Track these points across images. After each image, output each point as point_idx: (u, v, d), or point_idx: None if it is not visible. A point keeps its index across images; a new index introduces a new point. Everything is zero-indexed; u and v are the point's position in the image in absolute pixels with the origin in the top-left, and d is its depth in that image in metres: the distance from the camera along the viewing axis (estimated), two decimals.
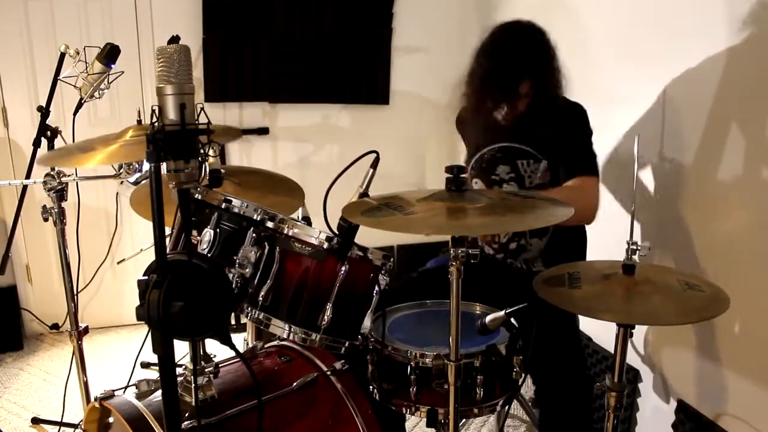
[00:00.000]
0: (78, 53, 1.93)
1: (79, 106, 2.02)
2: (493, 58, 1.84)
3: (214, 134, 1.10)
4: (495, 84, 1.84)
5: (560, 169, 1.87)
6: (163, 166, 1.05)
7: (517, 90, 1.85)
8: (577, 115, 1.88)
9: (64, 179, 1.86)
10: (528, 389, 2.45)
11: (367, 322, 1.49)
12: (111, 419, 1.45)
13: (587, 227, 2.00)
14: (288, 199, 1.98)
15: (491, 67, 1.84)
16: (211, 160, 1.36)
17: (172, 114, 1.06)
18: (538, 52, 1.83)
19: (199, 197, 1.41)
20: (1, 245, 2.57)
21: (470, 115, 1.98)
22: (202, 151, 1.09)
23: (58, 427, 2.30)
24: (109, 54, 1.93)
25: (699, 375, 1.98)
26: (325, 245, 1.35)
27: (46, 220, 1.88)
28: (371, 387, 1.49)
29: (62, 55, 1.96)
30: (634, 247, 1.33)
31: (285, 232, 1.36)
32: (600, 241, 1.99)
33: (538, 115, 1.84)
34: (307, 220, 2.18)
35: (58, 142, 1.99)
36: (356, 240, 1.38)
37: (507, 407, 1.48)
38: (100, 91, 1.97)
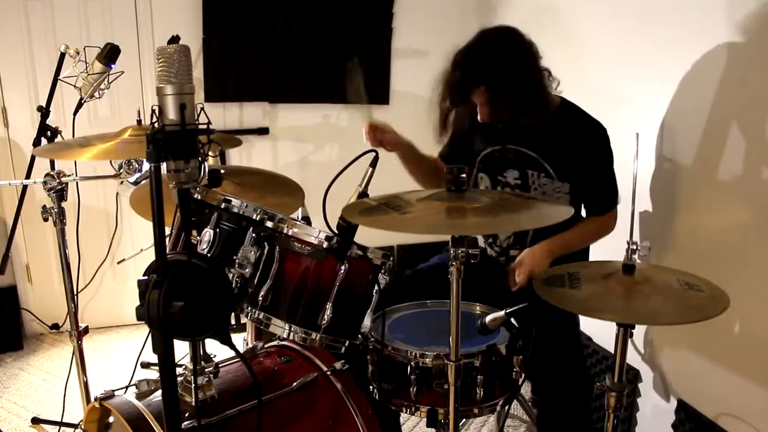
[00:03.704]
0: (78, 53, 1.93)
1: (79, 106, 2.02)
2: (451, 65, 1.81)
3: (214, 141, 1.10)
4: (448, 90, 1.80)
5: (582, 198, 1.87)
6: (163, 166, 1.06)
7: (468, 97, 1.80)
8: (600, 139, 1.82)
9: (64, 179, 1.86)
10: (528, 389, 2.46)
11: (367, 322, 1.49)
12: (111, 419, 1.45)
13: None
14: (288, 200, 1.98)
15: (448, 72, 1.81)
16: (210, 160, 1.36)
17: (172, 114, 1.06)
18: (496, 58, 1.75)
19: (199, 197, 1.41)
20: (1, 245, 2.57)
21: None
22: (202, 151, 1.10)
23: (58, 427, 2.30)
24: (109, 54, 1.93)
25: (699, 375, 1.98)
26: (325, 245, 1.35)
27: (46, 220, 1.88)
28: (371, 387, 1.49)
29: (62, 55, 1.96)
30: (634, 247, 1.33)
31: (284, 231, 1.36)
32: (600, 241, 1.99)
33: (532, 117, 1.81)
34: (306, 219, 2.18)
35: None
36: (356, 239, 1.38)
37: (507, 407, 1.48)
38: (100, 91, 1.98)
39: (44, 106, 2.00)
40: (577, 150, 1.81)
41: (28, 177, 2.08)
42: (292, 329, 1.38)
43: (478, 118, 1.83)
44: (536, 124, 1.83)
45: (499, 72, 1.73)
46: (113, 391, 1.38)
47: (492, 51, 1.76)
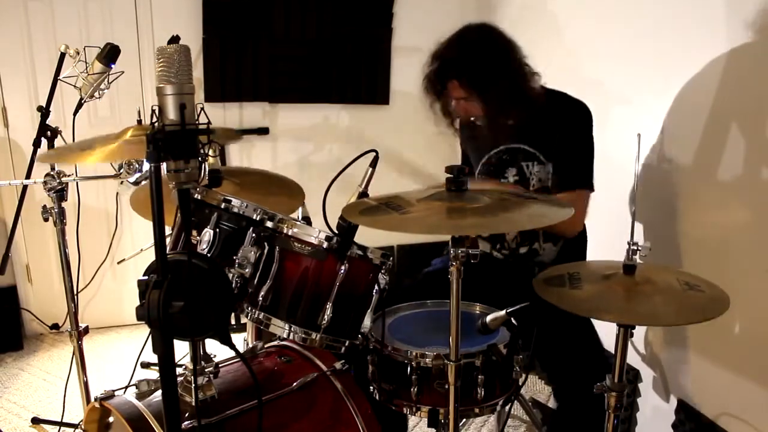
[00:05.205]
0: (78, 53, 1.93)
1: (79, 106, 2.02)
2: (430, 57, 1.83)
3: (213, 135, 1.10)
4: (426, 81, 1.83)
5: (558, 174, 1.84)
6: (163, 166, 1.05)
7: (444, 90, 1.81)
8: (583, 116, 1.83)
9: (64, 179, 1.86)
10: (528, 389, 2.45)
11: (367, 322, 1.49)
12: (111, 419, 1.45)
13: (588, 229, 1.99)
14: (288, 200, 1.97)
15: (427, 68, 1.83)
16: (210, 160, 1.36)
17: (172, 114, 1.06)
18: (472, 51, 1.77)
19: (199, 197, 1.41)
20: (1, 245, 2.57)
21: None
22: (202, 151, 1.10)
23: (58, 427, 2.30)
24: (109, 54, 1.93)
25: (699, 375, 1.98)
26: (325, 245, 1.35)
27: (46, 220, 1.88)
28: (371, 387, 1.49)
29: (62, 55, 1.96)
30: (635, 248, 1.33)
31: (284, 231, 1.36)
32: (600, 241, 1.99)
33: (511, 109, 1.80)
34: (306, 219, 2.18)
35: (58, 142, 1.99)
36: (356, 239, 1.38)
37: (508, 407, 1.48)
38: (100, 91, 1.97)
39: (44, 106, 2.00)
40: (560, 128, 1.82)
41: (28, 177, 2.08)
42: (292, 329, 1.37)
43: (453, 113, 1.85)
44: (523, 119, 1.83)
45: (473, 65, 1.74)
46: (113, 391, 1.38)
47: (468, 44, 1.78)
